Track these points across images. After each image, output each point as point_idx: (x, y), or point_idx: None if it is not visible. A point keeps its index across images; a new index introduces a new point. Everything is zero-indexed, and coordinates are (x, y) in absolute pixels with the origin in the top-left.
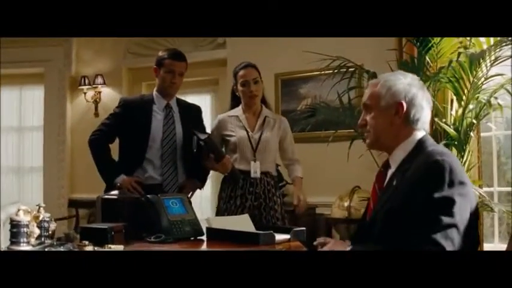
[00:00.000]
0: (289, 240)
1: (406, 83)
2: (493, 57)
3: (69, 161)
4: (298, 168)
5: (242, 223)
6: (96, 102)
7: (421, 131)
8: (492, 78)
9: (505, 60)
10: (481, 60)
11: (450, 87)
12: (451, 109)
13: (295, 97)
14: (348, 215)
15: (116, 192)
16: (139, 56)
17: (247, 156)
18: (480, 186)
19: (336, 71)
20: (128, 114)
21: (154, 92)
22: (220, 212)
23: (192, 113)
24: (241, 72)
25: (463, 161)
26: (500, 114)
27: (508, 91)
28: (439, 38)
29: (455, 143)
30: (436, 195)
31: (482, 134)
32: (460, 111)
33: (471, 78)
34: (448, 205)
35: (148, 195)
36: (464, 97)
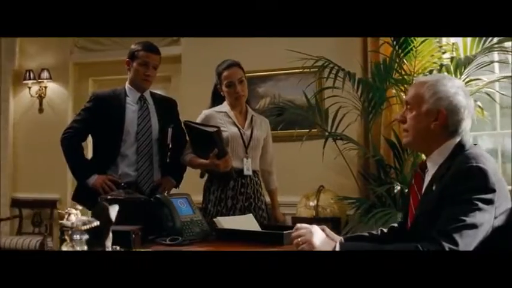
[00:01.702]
0: None
1: (452, 90)
2: (479, 62)
3: (11, 158)
4: (275, 179)
5: (249, 223)
6: (40, 97)
7: (460, 136)
8: (471, 82)
9: (488, 65)
10: (467, 65)
11: None
12: None
13: (254, 96)
14: (316, 214)
15: (117, 192)
16: (87, 51)
17: (239, 153)
18: None
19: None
20: (101, 108)
21: (127, 85)
22: (209, 215)
23: (167, 106)
24: (225, 73)
25: None
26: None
27: (488, 94)
28: (419, 41)
29: None
30: (463, 197)
31: None
32: None
33: None
34: (471, 207)
35: (158, 195)
36: None
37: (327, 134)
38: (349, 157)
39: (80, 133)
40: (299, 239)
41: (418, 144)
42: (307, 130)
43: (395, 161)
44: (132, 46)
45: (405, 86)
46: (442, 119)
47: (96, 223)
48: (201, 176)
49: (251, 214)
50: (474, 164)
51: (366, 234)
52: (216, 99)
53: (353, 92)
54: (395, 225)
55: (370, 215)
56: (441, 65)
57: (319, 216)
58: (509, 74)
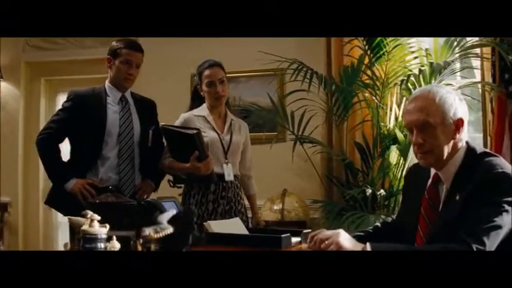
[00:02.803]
0: (300, 243)
1: (458, 97)
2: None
3: None
4: (254, 184)
5: (237, 227)
6: None
7: (463, 142)
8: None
9: (460, 70)
10: (443, 70)
11: (406, 94)
12: (391, 114)
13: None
14: (281, 218)
15: (105, 196)
16: (40, 50)
17: (219, 159)
18: None
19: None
20: (80, 108)
21: (107, 84)
22: None
23: (147, 107)
24: (206, 72)
25: (406, 165)
26: None
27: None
28: (392, 46)
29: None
30: (491, 200)
31: None
32: None
33: None
34: (499, 210)
35: (148, 199)
36: None
37: (295, 136)
38: (315, 160)
39: (57, 134)
40: (326, 242)
41: (441, 161)
42: (275, 133)
43: (362, 164)
44: (114, 43)
45: (375, 89)
46: (462, 127)
47: (170, 231)
48: (173, 184)
49: (238, 218)
50: (500, 170)
51: (362, 234)
52: (196, 99)
53: (321, 95)
54: (379, 225)
55: (343, 218)
56: (420, 70)
57: (285, 220)
58: (474, 80)
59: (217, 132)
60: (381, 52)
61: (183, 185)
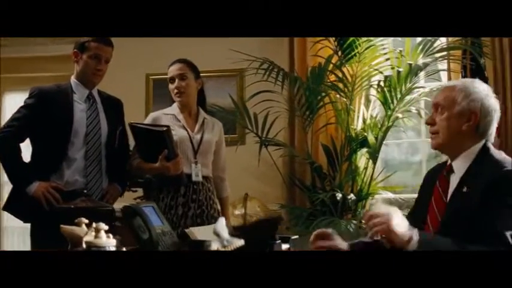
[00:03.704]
0: (289, 249)
1: (484, 93)
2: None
3: None
4: (228, 187)
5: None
6: None
7: (486, 138)
8: (418, 90)
9: (435, 73)
10: (419, 72)
11: (380, 96)
12: (358, 116)
13: (170, 99)
14: (244, 223)
15: (79, 200)
16: None
17: (188, 158)
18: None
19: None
20: (44, 105)
21: (73, 80)
22: None
23: (114, 107)
24: (169, 69)
25: (374, 168)
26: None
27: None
28: (364, 47)
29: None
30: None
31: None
32: (382, 120)
33: (403, 89)
34: None
35: (128, 204)
36: (392, 106)
37: (259, 139)
38: (276, 164)
39: (18, 133)
40: (375, 220)
41: (447, 146)
42: (235, 135)
43: (329, 167)
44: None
45: (346, 91)
46: (475, 121)
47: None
48: (128, 188)
49: (223, 218)
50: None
51: None
52: (171, 100)
53: (286, 95)
54: None
55: (314, 223)
56: (398, 72)
57: (247, 225)
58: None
59: (186, 130)
60: (352, 53)
61: (138, 189)
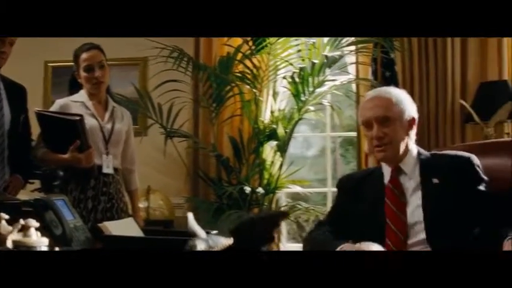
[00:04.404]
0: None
1: (409, 99)
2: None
3: None
4: (137, 179)
5: (132, 228)
6: None
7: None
8: (328, 83)
9: (346, 66)
10: (333, 64)
11: (292, 88)
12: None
13: (68, 87)
14: (147, 216)
15: None
16: None
17: (99, 149)
18: None
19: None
20: None
21: None
22: None
23: (18, 93)
24: (83, 55)
25: (282, 162)
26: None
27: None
28: (275, 39)
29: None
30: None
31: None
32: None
33: (315, 81)
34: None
35: (39, 197)
36: (303, 98)
37: (164, 130)
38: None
39: None
40: None
41: (399, 156)
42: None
43: (235, 160)
44: None
45: (255, 82)
46: (415, 125)
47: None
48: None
49: (131, 218)
50: (467, 154)
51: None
52: (74, 87)
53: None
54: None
55: (223, 216)
56: (313, 63)
57: (150, 219)
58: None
59: (97, 119)
60: (264, 44)
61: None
